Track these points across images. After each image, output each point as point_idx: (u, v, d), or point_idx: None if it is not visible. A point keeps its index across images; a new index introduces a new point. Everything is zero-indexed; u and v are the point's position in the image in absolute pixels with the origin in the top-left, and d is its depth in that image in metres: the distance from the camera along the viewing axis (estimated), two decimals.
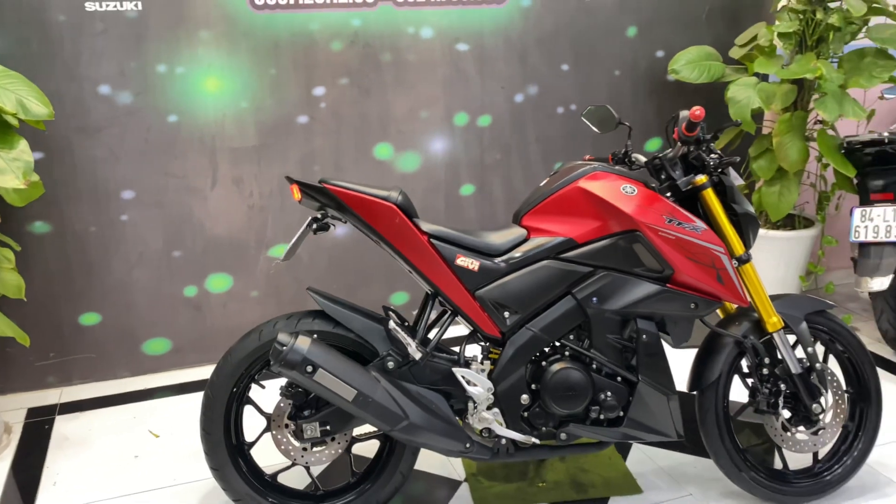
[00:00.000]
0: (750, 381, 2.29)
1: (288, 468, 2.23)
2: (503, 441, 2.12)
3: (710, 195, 2.14)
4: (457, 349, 2.14)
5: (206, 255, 3.23)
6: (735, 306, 2.30)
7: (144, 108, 3.01)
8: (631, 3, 3.59)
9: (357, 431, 2.20)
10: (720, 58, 3.55)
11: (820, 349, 2.32)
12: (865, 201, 3.20)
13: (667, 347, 2.16)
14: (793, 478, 2.32)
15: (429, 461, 2.51)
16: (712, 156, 2.14)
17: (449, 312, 2.15)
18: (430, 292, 2.14)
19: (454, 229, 2.08)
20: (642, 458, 2.57)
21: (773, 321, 2.19)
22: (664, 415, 2.14)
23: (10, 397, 3.07)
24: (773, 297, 2.24)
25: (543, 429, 2.13)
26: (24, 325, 2.87)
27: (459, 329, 2.19)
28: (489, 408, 2.10)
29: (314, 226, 2.06)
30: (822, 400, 2.24)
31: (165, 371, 3.29)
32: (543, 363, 2.12)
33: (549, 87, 3.57)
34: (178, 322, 3.27)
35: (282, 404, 2.12)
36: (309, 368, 1.92)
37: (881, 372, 2.42)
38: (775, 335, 2.19)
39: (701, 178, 2.13)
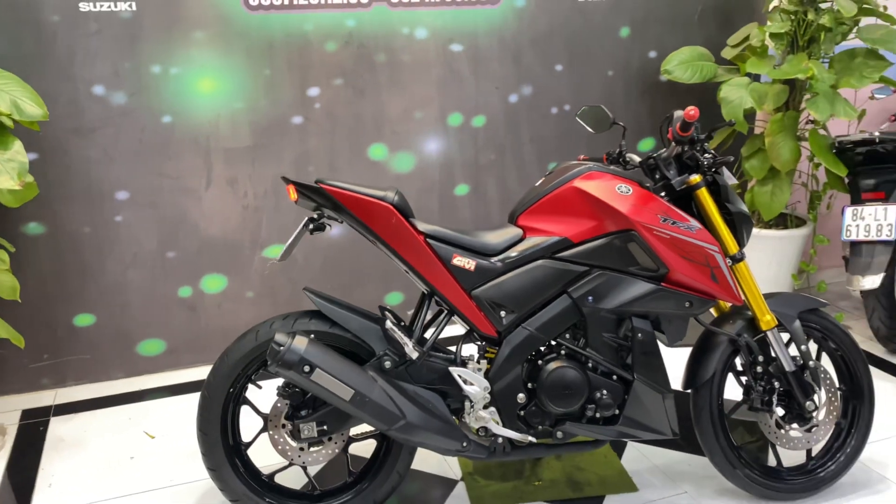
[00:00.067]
0: (744, 379, 2.30)
1: (285, 468, 2.23)
2: (500, 440, 2.13)
3: (704, 194, 2.16)
4: (453, 349, 2.14)
5: (201, 255, 3.23)
6: (729, 305, 2.32)
7: (139, 109, 3.00)
8: (624, 4, 3.60)
9: (354, 431, 2.21)
10: (712, 58, 3.57)
11: (813, 347, 2.34)
12: (857, 200, 3.23)
13: (661, 346, 2.18)
14: (787, 475, 2.34)
15: (425, 460, 2.52)
16: (706, 155, 2.15)
17: (445, 312, 2.16)
18: (426, 292, 2.15)
19: (450, 229, 2.09)
20: (637, 457, 2.58)
21: (766, 319, 2.20)
22: (659, 413, 2.16)
23: (5, 399, 3.06)
24: (767, 296, 2.26)
25: (540, 427, 2.15)
26: (19, 327, 2.87)
27: (456, 328, 2.20)
28: (486, 407, 2.11)
29: (310, 226, 2.06)
30: (816, 397, 2.26)
31: (160, 372, 3.28)
32: (539, 362, 2.13)
33: (543, 88, 3.59)
34: (173, 323, 3.26)
35: (279, 404, 2.12)
36: (306, 368, 1.93)
37: (873, 370, 2.44)
38: (769, 333, 2.21)
39: (695, 178, 2.14)
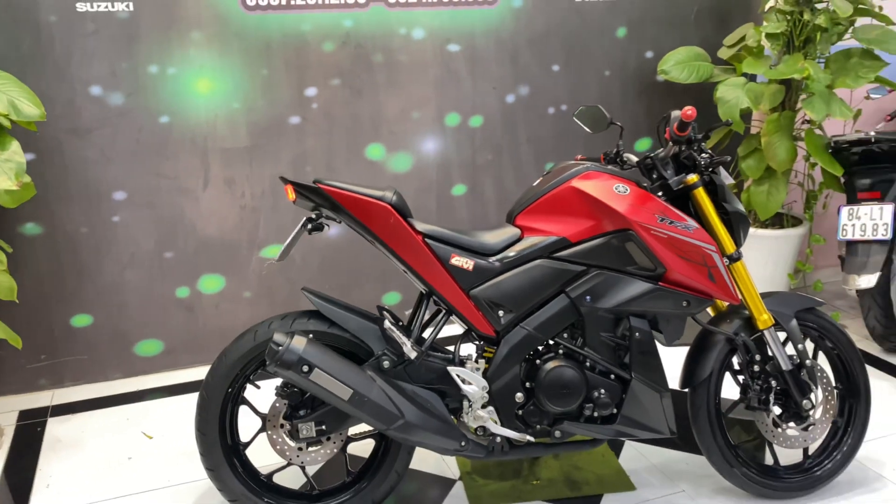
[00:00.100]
0: (741, 377, 2.31)
1: (283, 468, 2.23)
2: (498, 439, 2.14)
3: (701, 194, 2.16)
4: (451, 348, 2.15)
5: (198, 255, 3.23)
6: (726, 304, 2.33)
7: (136, 109, 3.00)
8: (620, 5, 3.61)
9: (352, 431, 2.21)
10: (709, 58, 3.59)
11: (810, 346, 2.35)
12: (853, 200, 3.24)
13: (659, 345, 2.18)
14: (783, 473, 2.35)
15: (424, 460, 2.52)
16: (703, 155, 2.16)
17: (443, 312, 2.16)
18: (424, 292, 2.15)
19: (449, 229, 2.09)
20: (635, 456, 2.59)
21: (763, 318, 2.21)
22: (657, 412, 2.16)
23: (2, 400, 3.06)
24: (764, 295, 2.27)
25: (538, 427, 2.15)
26: (16, 327, 2.86)
27: (454, 328, 2.20)
28: (484, 406, 2.12)
29: (309, 226, 2.06)
30: (812, 396, 2.27)
31: (158, 372, 3.28)
32: (537, 361, 2.14)
33: (540, 88, 3.59)
34: (171, 323, 3.26)
35: (277, 404, 2.13)
36: (305, 368, 1.93)
37: (869, 368, 2.45)
38: (766, 332, 2.22)
39: (692, 178, 2.15)
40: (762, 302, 2.22)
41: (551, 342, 2.15)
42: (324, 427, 2.08)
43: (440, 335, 2.13)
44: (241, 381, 2.14)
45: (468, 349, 2.17)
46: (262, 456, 2.27)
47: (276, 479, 2.24)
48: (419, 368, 2.09)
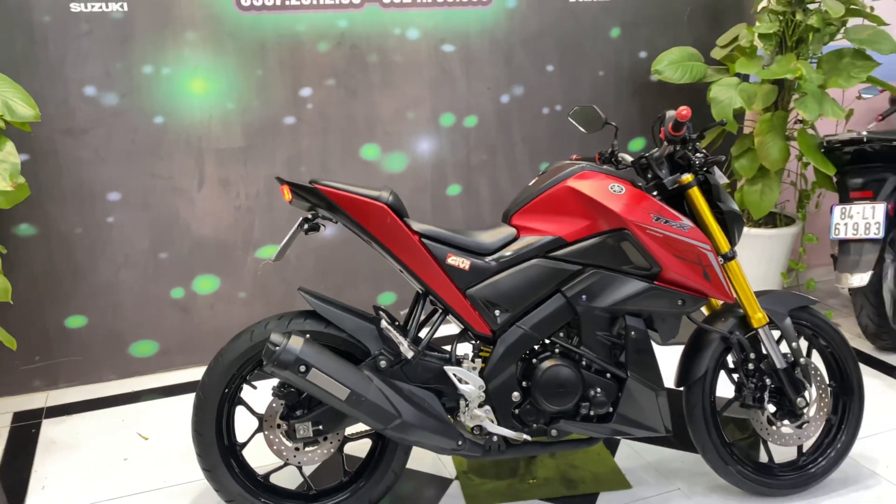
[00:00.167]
0: (736, 376, 2.32)
1: (280, 468, 2.23)
2: (494, 438, 2.14)
3: (695, 193, 2.17)
4: (448, 348, 2.15)
5: (193, 256, 3.23)
6: (721, 303, 2.34)
7: (130, 110, 2.99)
8: (614, 5, 3.63)
9: (349, 430, 2.21)
10: (702, 58, 3.60)
11: (804, 344, 2.36)
12: (845, 199, 3.26)
13: (654, 344, 2.19)
14: (778, 471, 2.36)
15: (420, 459, 2.53)
16: (698, 155, 2.17)
17: (440, 311, 2.16)
18: (420, 291, 2.16)
19: (445, 229, 2.10)
20: (630, 454, 2.60)
21: (758, 317, 2.23)
22: (653, 410, 2.17)
23: None
24: (758, 294, 2.28)
25: (534, 425, 2.16)
26: (10, 329, 2.85)
27: (450, 328, 2.21)
28: (481, 405, 2.12)
29: (305, 226, 2.06)
30: (807, 394, 2.28)
31: (153, 373, 3.28)
32: (534, 361, 2.14)
33: (534, 88, 3.60)
34: (165, 324, 3.26)
35: (274, 404, 2.13)
36: (302, 368, 1.93)
37: (862, 366, 2.46)
38: (760, 331, 2.23)
39: (687, 177, 2.16)
40: (756, 300, 2.23)
41: (547, 341, 2.16)
42: (321, 427, 2.08)
43: (437, 335, 2.14)
44: (238, 382, 2.14)
45: (465, 349, 2.18)
46: (258, 456, 2.27)
47: (273, 479, 2.24)
48: (416, 368, 2.09)
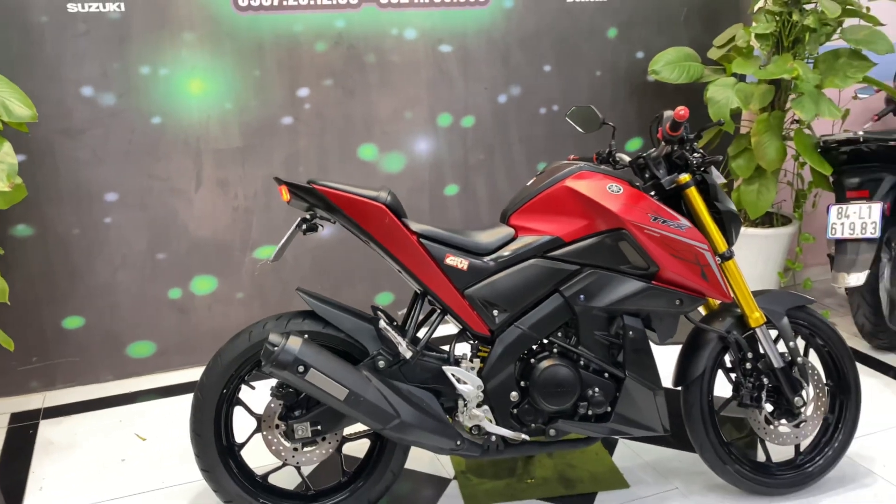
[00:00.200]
0: (733, 375, 2.33)
1: (279, 469, 2.23)
2: (493, 438, 2.15)
3: (693, 193, 2.18)
4: (446, 348, 2.15)
5: (191, 257, 3.22)
6: (718, 302, 2.35)
7: (128, 110, 2.99)
8: (611, 5, 3.63)
9: (347, 431, 2.21)
10: (699, 59, 3.61)
11: (801, 343, 2.37)
12: (841, 199, 3.27)
13: (652, 344, 2.20)
14: (776, 470, 2.37)
15: (418, 459, 2.53)
16: (695, 155, 2.18)
17: (438, 311, 2.17)
18: (419, 291, 2.16)
19: (443, 229, 2.10)
20: (628, 454, 2.61)
21: (755, 316, 2.23)
22: (651, 410, 2.18)
23: None
24: (755, 293, 2.29)
25: (532, 425, 2.16)
26: (7, 329, 2.85)
27: (449, 328, 2.21)
28: (479, 405, 2.12)
29: (303, 226, 2.07)
30: (804, 393, 2.29)
31: (150, 374, 3.27)
32: (532, 360, 2.14)
33: (531, 88, 3.61)
34: (163, 325, 3.25)
35: (272, 405, 2.13)
36: (301, 368, 1.93)
37: (858, 366, 2.47)
38: (758, 330, 2.24)
39: (684, 177, 2.17)
40: (754, 300, 2.24)
41: (545, 341, 2.16)
42: (319, 427, 2.08)
43: (435, 335, 2.14)
44: (236, 382, 2.14)
45: (463, 349, 2.18)
46: (257, 457, 2.27)
47: (272, 479, 2.24)
48: (414, 368, 2.09)
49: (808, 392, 2.32)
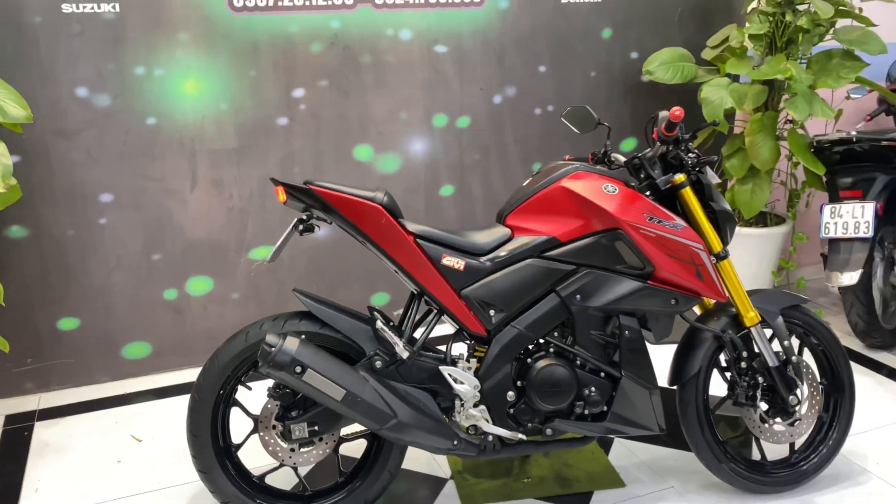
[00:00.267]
0: (728, 374, 2.34)
1: (276, 469, 2.23)
2: (490, 438, 2.15)
3: (688, 193, 2.19)
4: (443, 348, 2.16)
5: (186, 257, 3.22)
6: (713, 302, 2.36)
7: (123, 111, 2.99)
8: (605, 6, 3.64)
9: (344, 431, 2.21)
10: (693, 59, 3.62)
11: (795, 342, 2.38)
12: (835, 198, 3.28)
13: (647, 343, 2.21)
14: (771, 468, 2.38)
15: (415, 459, 2.53)
16: (690, 155, 2.19)
17: (435, 311, 2.17)
18: (415, 292, 2.16)
19: (440, 229, 2.10)
20: (624, 453, 2.61)
21: (750, 316, 2.24)
22: (647, 409, 2.19)
23: None
24: (750, 293, 2.30)
25: (529, 425, 2.17)
26: (2, 331, 2.84)
27: (445, 328, 2.22)
28: (476, 405, 2.13)
29: (300, 227, 2.07)
30: (798, 392, 2.30)
31: (146, 375, 3.27)
32: (528, 360, 2.15)
33: (526, 89, 3.61)
34: (158, 325, 3.25)
35: (269, 405, 2.13)
36: (298, 369, 1.93)
37: (852, 364, 2.48)
38: (752, 329, 2.25)
39: (680, 177, 2.18)
40: (749, 299, 2.25)
41: (542, 341, 2.17)
42: (316, 428, 2.08)
43: (432, 335, 2.14)
44: (233, 383, 2.13)
45: (460, 349, 2.18)
46: (254, 457, 2.27)
47: (269, 480, 2.24)
48: (411, 368, 2.10)
49: (803, 391, 2.33)
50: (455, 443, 2.10)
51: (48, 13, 2.80)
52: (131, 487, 2.48)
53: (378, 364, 2.06)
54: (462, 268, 2.08)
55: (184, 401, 2.95)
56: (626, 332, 2.15)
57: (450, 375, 2.08)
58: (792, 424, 2.35)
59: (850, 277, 3.12)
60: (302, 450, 2.15)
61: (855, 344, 3.44)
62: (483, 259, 2.10)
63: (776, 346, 2.30)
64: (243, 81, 3.12)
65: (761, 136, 3.44)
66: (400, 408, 2.02)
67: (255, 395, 2.36)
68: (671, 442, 2.65)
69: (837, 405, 2.41)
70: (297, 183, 2.02)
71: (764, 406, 2.35)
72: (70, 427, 2.87)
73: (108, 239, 3.08)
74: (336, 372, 1.97)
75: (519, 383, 2.15)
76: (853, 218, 3.16)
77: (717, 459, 2.29)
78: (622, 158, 2.28)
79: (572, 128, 2.34)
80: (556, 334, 2.18)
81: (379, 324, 2.06)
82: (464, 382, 2.09)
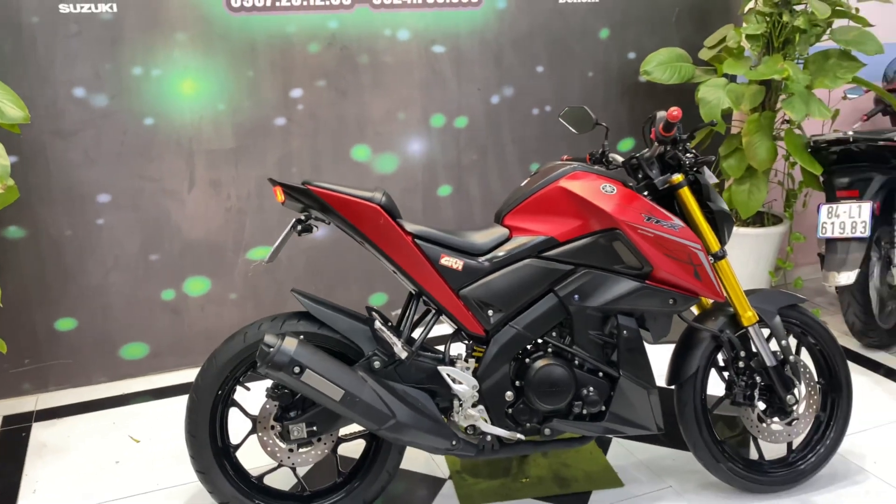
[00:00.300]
0: (726, 374, 2.34)
1: (274, 470, 2.23)
2: (488, 438, 2.15)
3: (686, 193, 2.19)
4: (441, 348, 2.16)
5: (184, 258, 3.22)
6: (711, 302, 2.36)
7: (120, 111, 2.98)
8: (603, 6, 3.65)
9: (343, 431, 2.21)
10: (690, 59, 3.63)
11: (793, 342, 2.39)
12: (831, 198, 3.29)
13: (645, 343, 2.21)
14: (768, 467, 2.38)
15: (414, 460, 2.53)
16: (688, 155, 2.19)
17: (433, 312, 2.17)
18: (414, 292, 2.16)
19: (438, 229, 2.10)
20: (622, 452, 2.62)
21: (748, 315, 2.25)
22: (645, 409, 2.19)
23: None
24: (748, 292, 2.31)
25: (527, 425, 2.17)
26: None
27: (444, 328, 2.22)
28: (474, 405, 2.13)
29: (298, 227, 2.07)
30: (796, 391, 2.31)
31: (143, 376, 3.26)
32: (527, 360, 2.15)
33: (524, 89, 3.62)
34: (156, 326, 3.24)
35: (267, 406, 2.13)
36: (296, 369, 1.93)
37: (849, 364, 2.49)
38: (750, 329, 2.25)
39: (677, 177, 2.18)
40: (746, 299, 2.26)
41: (540, 341, 2.17)
42: (315, 428, 2.08)
43: (430, 335, 2.15)
44: (231, 383, 2.13)
45: (458, 349, 2.19)
46: (252, 458, 2.27)
47: (267, 480, 2.24)
48: (410, 368, 2.10)
49: (801, 390, 2.34)
50: (453, 443, 2.10)
51: (45, 13, 2.80)
52: (129, 488, 2.48)
53: (376, 364, 2.06)
54: (460, 268, 2.08)
55: (182, 401, 2.95)
56: (625, 331, 2.15)
57: (448, 375, 2.09)
58: (789, 424, 2.36)
59: (847, 277, 3.13)
60: (300, 450, 2.15)
61: (852, 343, 3.45)
62: (481, 259, 2.11)
63: (774, 345, 2.31)
64: (241, 82, 3.12)
65: (758, 136, 3.45)
66: (398, 408, 2.02)
67: (253, 396, 2.36)
68: (669, 441, 2.65)
69: (835, 404, 2.41)
70: (295, 183, 2.03)
71: (762, 405, 2.35)
72: (68, 428, 2.87)
73: (106, 239, 3.08)
74: (334, 372, 1.97)
75: (517, 383, 2.16)
76: (850, 218, 3.17)
77: (715, 459, 2.29)
78: (620, 158, 2.28)
79: (570, 128, 2.35)
80: (554, 334, 2.18)
81: (377, 324, 2.07)
82: (462, 382, 2.09)
